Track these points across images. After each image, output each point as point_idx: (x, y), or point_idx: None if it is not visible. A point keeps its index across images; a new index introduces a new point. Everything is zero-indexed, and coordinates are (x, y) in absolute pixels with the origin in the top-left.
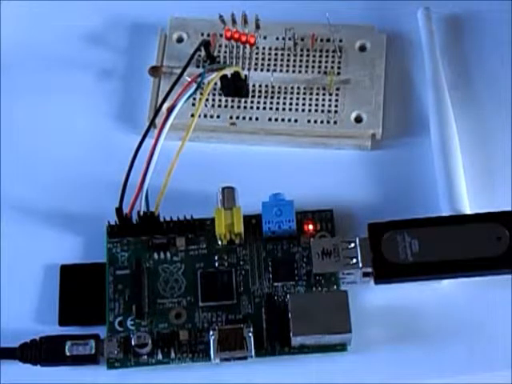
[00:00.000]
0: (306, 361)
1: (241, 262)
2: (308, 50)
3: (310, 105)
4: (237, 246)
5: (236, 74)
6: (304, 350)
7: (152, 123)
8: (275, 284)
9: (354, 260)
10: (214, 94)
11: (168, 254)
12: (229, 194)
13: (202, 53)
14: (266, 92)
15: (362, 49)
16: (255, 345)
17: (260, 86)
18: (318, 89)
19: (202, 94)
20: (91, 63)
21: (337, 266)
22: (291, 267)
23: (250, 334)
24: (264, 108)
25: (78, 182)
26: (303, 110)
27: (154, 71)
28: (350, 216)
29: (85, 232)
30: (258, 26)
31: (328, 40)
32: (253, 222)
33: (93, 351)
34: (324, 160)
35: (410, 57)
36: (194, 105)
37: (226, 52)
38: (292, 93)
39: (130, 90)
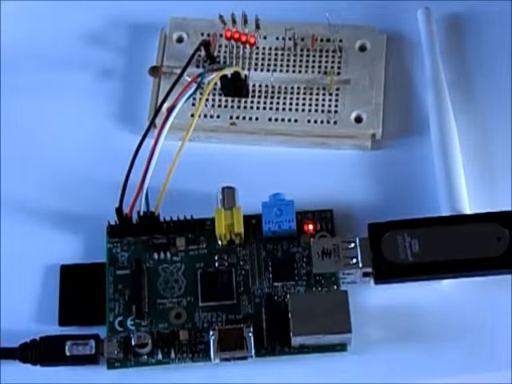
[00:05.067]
0: (306, 361)
1: (241, 262)
2: (308, 50)
3: (310, 105)
4: (237, 246)
5: (236, 74)
6: (304, 350)
7: (152, 123)
8: (275, 284)
9: (354, 260)
10: (214, 94)
11: (168, 254)
12: (229, 194)
13: (202, 53)
14: (266, 92)
15: (362, 49)
16: (255, 345)
17: (260, 85)
18: (318, 89)
19: (202, 93)
20: (91, 63)
21: (337, 266)
22: (291, 267)
23: (250, 334)
24: (264, 108)
25: (78, 182)
26: (303, 110)
27: (154, 71)
28: (349, 216)
29: (85, 232)
30: (257, 26)
31: (328, 40)
32: (253, 222)
33: (93, 351)
34: (324, 160)
35: (410, 57)
36: (194, 105)
37: (226, 52)
38: (292, 93)
39: (130, 90)
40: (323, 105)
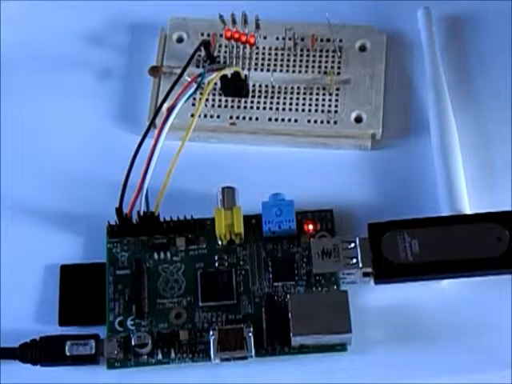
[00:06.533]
0: (306, 361)
1: (241, 262)
2: (308, 50)
3: (310, 105)
4: (237, 246)
5: (236, 74)
6: (304, 349)
7: (152, 123)
8: (275, 284)
9: (354, 260)
10: (214, 94)
11: (168, 254)
12: (229, 194)
13: (202, 53)
14: (266, 92)
15: (362, 49)
16: (255, 345)
17: (260, 86)
18: (318, 89)
19: (201, 93)
20: (91, 63)
21: (337, 266)
22: (291, 267)
23: (250, 334)
24: (264, 108)
25: (78, 182)
26: (303, 110)
27: (154, 71)
28: (350, 216)
29: (85, 232)
30: (257, 26)
31: (328, 40)
32: (253, 222)
33: (93, 351)
34: (324, 160)
35: (410, 57)
36: (194, 105)
37: (226, 52)
38: (292, 93)
39: (130, 90)
40: (323, 105)
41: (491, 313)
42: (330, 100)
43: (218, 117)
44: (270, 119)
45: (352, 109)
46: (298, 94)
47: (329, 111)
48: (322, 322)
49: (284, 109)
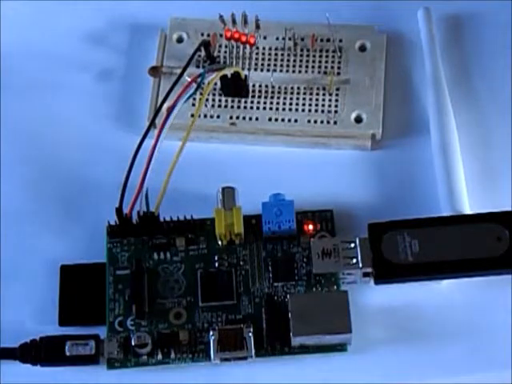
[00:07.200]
0: (306, 361)
1: (241, 262)
2: (308, 50)
3: (310, 105)
4: (237, 246)
5: (236, 74)
6: (304, 350)
7: (152, 123)
8: (275, 284)
9: (354, 260)
10: (214, 94)
11: (168, 254)
12: (229, 194)
13: (202, 53)
14: (266, 92)
15: (362, 49)
16: (255, 345)
17: (260, 86)
18: (318, 89)
19: (201, 94)
20: (91, 63)
21: (337, 266)
22: (291, 267)
23: (250, 334)
24: (264, 108)
25: (78, 182)
26: (303, 110)
27: (154, 71)
28: (350, 216)
29: (85, 232)
30: (258, 26)
31: (328, 40)
32: (253, 222)
33: (93, 351)
34: (324, 160)
35: (410, 57)
36: (194, 105)
37: (226, 52)
38: (292, 93)
39: (130, 90)
40: (323, 105)
41: (491, 313)
42: (329, 100)
43: (218, 117)
44: (269, 119)
45: (352, 109)
46: (298, 94)
47: (329, 111)
48: (322, 322)
49: (284, 109)
